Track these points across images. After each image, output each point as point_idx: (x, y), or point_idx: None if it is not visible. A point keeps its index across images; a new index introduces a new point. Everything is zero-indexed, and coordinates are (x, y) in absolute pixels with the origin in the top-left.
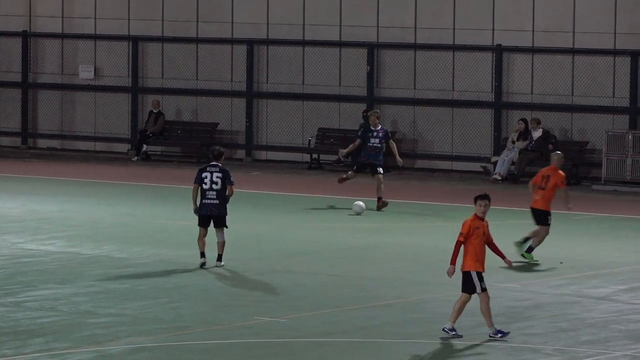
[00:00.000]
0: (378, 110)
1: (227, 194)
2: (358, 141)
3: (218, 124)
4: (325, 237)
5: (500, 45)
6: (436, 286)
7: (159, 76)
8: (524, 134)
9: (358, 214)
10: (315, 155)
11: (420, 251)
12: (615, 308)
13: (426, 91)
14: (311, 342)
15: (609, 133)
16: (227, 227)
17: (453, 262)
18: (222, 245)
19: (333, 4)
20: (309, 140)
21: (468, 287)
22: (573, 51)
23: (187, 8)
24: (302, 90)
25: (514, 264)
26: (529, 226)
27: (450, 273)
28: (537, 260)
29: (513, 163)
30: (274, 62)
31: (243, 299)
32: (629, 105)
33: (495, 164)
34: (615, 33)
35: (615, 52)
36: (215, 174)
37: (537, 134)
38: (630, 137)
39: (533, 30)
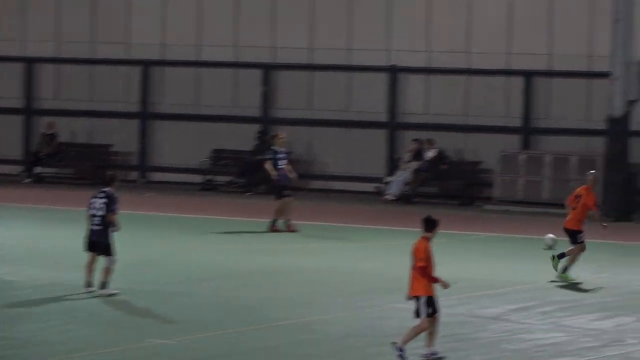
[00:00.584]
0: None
1: (106, 220)
2: (269, 164)
3: (112, 145)
4: (218, 259)
5: (395, 65)
6: (329, 307)
7: (52, 97)
8: (418, 154)
9: (550, 247)
10: (209, 177)
11: (315, 272)
12: (506, 328)
13: (322, 112)
14: None
15: (502, 153)
16: (111, 254)
17: (438, 279)
18: (105, 272)
19: (228, 24)
20: (203, 161)
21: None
22: (467, 71)
23: (82, 29)
24: (196, 111)
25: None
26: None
27: (447, 285)
28: (575, 279)
29: (407, 183)
30: (169, 83)
31: (135, 321)
32: (521, 125)
33: (389, 184)
34: (509, 53)
35: (508, 73)
36: (100, 200)
37: (430, 154)
38: (522, 157)
39: (428, 51)
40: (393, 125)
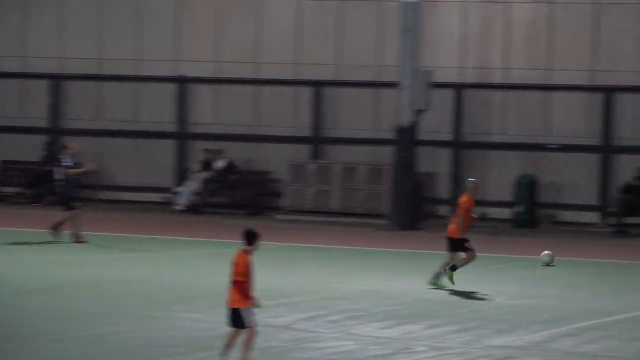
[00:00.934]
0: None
1: None
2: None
3: None
4: (7, 271)
5: (183, 75)
6: (122, 318)
7: None
8: (208, 164)
9: (548, 264)
10: None
11: (104, 283)
12: (296, 336)
13: (111, 122)
14: None
15: (291, 162)
16: None
17: (252, 298)
18: None
19: (15, 34)
20: None
21: (238, 322)
22: (256, 81)
23: None
24: None
25: None
26: (210, 255)
27: (259, 305)
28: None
29: (197, 193)
30: None
31: None
32: (311, 135)
33: (178, 194)
34: (298, 63)
35: (297, 83)
36: None
37: (220, 164)
38: (312, 167)
39: (217, 61)
40: (182, 135)
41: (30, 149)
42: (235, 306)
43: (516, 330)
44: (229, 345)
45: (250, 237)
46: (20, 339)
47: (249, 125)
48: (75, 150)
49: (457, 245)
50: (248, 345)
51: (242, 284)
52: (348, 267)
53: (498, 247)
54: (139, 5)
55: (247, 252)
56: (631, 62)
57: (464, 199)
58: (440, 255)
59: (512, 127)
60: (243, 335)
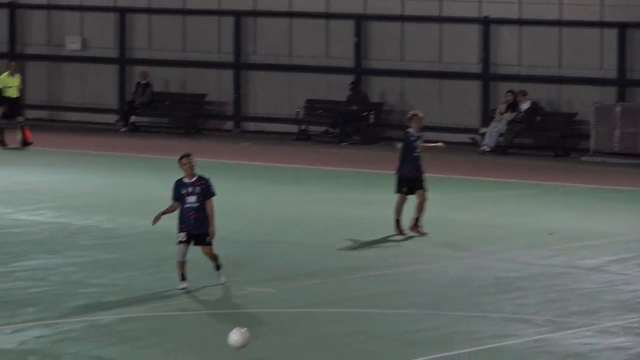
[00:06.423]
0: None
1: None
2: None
3: (206, 95)
4: (313, 208)
5: (487, 17)
6: (428, 256)
7: (146, 47)
8: (512, 106)
9: None
10: (303, 126)
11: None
12: (605, 279)
13: (414, 63)
14: (300, 312)
15: (597, 105)
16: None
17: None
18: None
19: None
20: (297, 111)
21: None
22: (560, 23)
23: None
24: (289, 61)
25: None
26: (518, 197)
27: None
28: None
29: (501, 135)
30: (261, 34)
31: (231, 269)
32: (616, 77)
33: (483, 135)
34: (603, 5)
35: (602, 24)
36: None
37: (524, 105)
38: (618, 109)
39: (519, 2)
40: (487, 77)
41: (336, 89)
42: None
43: None
44: None
45: None
46: (329, 274)
47: (553, 67)
48: (423, 120)
49: None
50: None
51: None
52: None
53: None
54: None
55: None
56: None
57: None
58: None
59: None
60: None
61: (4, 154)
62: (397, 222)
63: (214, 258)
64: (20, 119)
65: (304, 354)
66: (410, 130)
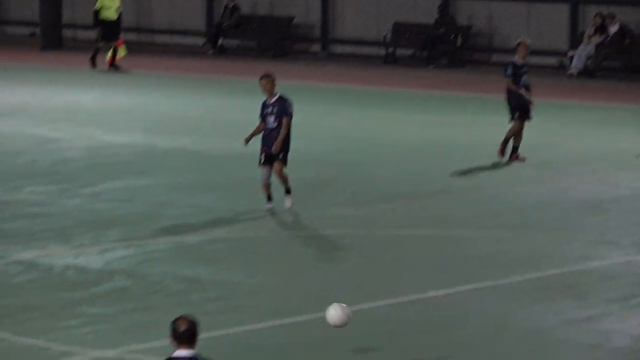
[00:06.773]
0: None
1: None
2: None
3: (294, 17)
4: (400, 131)
5: None
6: (513, 179)
7: None
8: (600, 29)
9: None
10: (390, 49)
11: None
12: None
13: None
14: (389, 235)
15: None
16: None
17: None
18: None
19: None
20: (385, 34)
21: None
22: None
23: None
24: None
25: None
26: (606, 120)
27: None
28: None
29: (589, 58)
30: None
31: (321, 189)
32: None
33: (571, 58)
34: None
35: None
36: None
37: (613, 28)
38: None
39: None
40: (575, 0)
41: (424, 12)
42: None
43: None
44: None
45: None
46: (412, 197)
47: None
48: (530, 47)
49: None
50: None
51: None
52: None
53: None
54: None
55: None
56: None
57: None
58: None
59: None
60: None
61: (93, 76)
62: (515, 148)
63: (283, 179)
64: (113, 43)
65: (390, 276)
66: (515, 59)
